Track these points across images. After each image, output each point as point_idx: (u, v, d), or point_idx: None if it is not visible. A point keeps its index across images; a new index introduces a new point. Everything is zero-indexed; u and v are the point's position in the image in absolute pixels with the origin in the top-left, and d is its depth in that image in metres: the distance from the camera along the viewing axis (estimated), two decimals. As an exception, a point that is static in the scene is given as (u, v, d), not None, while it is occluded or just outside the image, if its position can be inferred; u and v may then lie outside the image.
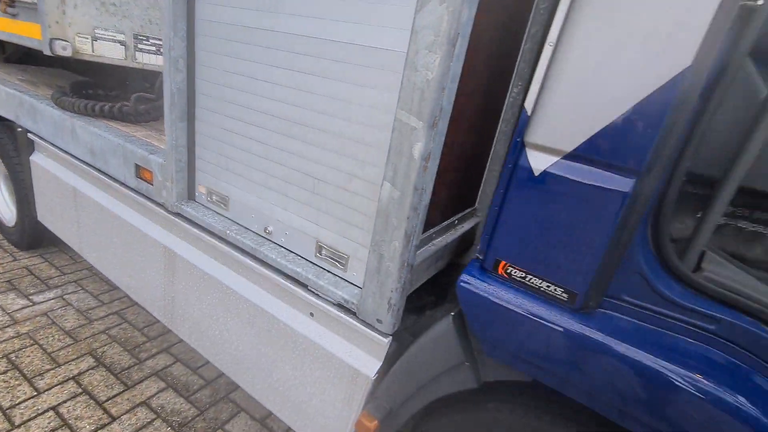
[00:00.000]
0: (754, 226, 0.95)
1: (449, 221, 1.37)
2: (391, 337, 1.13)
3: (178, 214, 1.58)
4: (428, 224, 1.24)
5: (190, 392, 1.96)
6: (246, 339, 1.46)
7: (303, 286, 1.27)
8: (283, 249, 1.35)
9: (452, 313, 1.02)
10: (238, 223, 1.45)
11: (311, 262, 1.29)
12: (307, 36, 1.09)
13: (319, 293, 1.23)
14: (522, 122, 0.84)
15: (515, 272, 0.90)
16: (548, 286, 0.86)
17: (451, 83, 0.86)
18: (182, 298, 1.66)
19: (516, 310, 0.89)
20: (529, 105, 0.83)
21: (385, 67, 0.96)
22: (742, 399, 0.74)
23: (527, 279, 0.89)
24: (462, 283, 0.94)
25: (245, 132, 1.33)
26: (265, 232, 1.38)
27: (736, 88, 0.81)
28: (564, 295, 0.85)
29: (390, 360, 1.15)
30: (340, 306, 1.20)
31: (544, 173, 0.82)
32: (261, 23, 1.19)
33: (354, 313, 1.16)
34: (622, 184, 0.75)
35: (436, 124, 0.88)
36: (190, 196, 1.57)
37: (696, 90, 0.69)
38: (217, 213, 1.51)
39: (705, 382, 0.74)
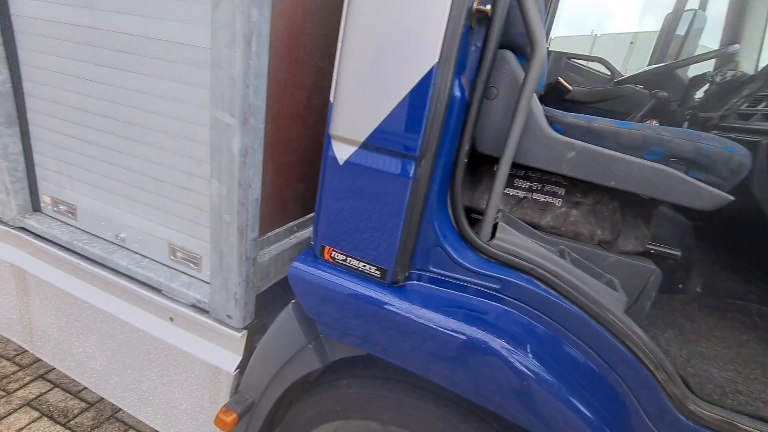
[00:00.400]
0: (545, 197, 1.11)
1: (313, 214, 1.41)
2: (245, 331, 1.15)
3: (21, 228, 1.44)
4: (288, 217, 1.27)
5: (69, 418, 1.82)
6: (109, 353, 1.39)
7: (159, 291, 1.24)
8: (137, 255, 1.30)
9: (293, 300, 1.07)
10: (88, 233, 1.37)
11: (166, 265, 1.26)
12: (127, 33, 1.06)
13: (173, 296, 1.21)
14: (329, 115, 0.90)
15: (338, 256, 0.97)
16: (364, 266, 0.94)
17: (255, 80, 0.90)
18: (39, 319, 1.52)
19: (340, 290, 0.95)
20: (332, 99, 0.89)
21: (200, 65, 0.97)
22: (516, 349, 0.86)
23: (348, 261, 0.96)
24: (293, 270, 0.99)
25: (84, 135, 1.25)
26: (117, 239, 1.32)
27: (502, 77, 0.94)
28: (377, 272, 0.93)
29: (251, 353, 1.18)
30: (194, 307, 1.19)
31: (347, 163, 0.89)
32: (80, 19, 1.12)
33: (208, 312, 1.16)
34: (405, 169, 0.84)
35: (247, 120, 0.91)
36: (35, 207, 1.45)
37: (447, 83, 0.79)
38: (66, 223, 1.40)
39: (489, 336, 0.87)
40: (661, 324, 1.20)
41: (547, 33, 2.66)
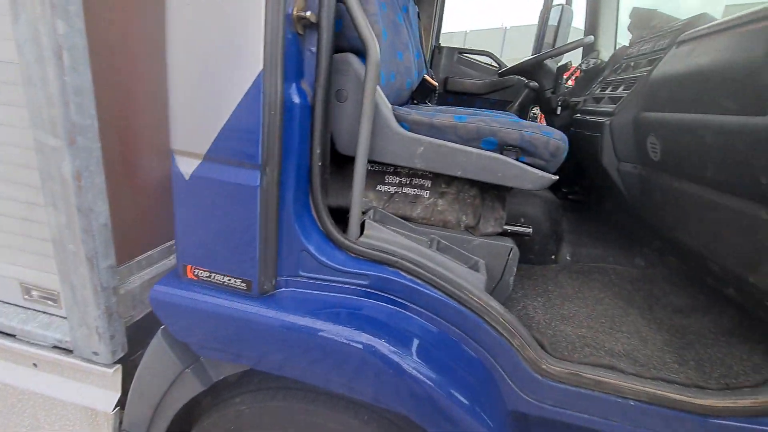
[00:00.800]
0: (414, 190, 1.16)
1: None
2: (119, 366, 1.07)
3: None
4: (162, 238, 1.20)
5: (-63, 497, 1.56)
6: (-34, 414, 1.21)
7: (14, 336, 1.10)
8: (-16, 300, 1.15)
9: (163, 326, 1.01)
10: None
11: (22, 306, 1.13)
12: (-76, 50, 0.92)
13: (31, 340, 1.09)
14: (169, 129, 0.86)
15: (201, 273, 0.93)
16: (229, 280, 0.92)
17: (76, 97, 0.83)
18: None
19: (206, 308, 0.92)
20: (169, 111, 0.85)
21: (16, 82, 0.87)
22: (383, 342, 0.89)
23: (212, 277, 0.93)
24: (153, 294, 0.93)
25: None
26: (-43, 284, 1.15)
27: (349, 80, 0.97)
28: (242, 284, 0.91)
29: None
30: (57, 348, 1.08)
31: (193, 177, 0.86)
32: None
33: (72, 352, 1.06)
34: (251, 178, 0.83)
35: (74, 141, 0.84)
36: None
37: (277, 89, 0.79)
38: None
39: (355, 332, 0.89)
40: (533, 293, 1.32)
41: (438, 30, 2.79)
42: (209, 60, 0.78)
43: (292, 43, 0.80)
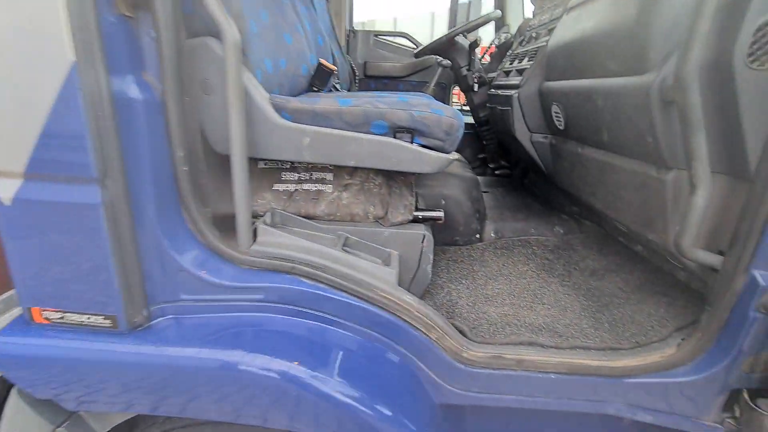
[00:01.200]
0: (316, 186, 1.06)
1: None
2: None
3: None
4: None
5: None
6: None
7: None
8: None
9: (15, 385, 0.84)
10: None
11: None
12: None
13: None
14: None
15: (52, 315, 0.77)
16: (88, 318, 0.77)
17: None
18: None
19: (66, 355, 0.77)
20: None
21: None
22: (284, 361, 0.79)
23: (66, 318, 0.77)
24: (-7, 348, 0.76)
25: None
26: None
27: (212, 68, 0.84)
28: (106, 321, 0.77)
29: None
30: None
31: (16, 201, 0.69)
32: None
33: None
34: (89, 195, 0.68)
35: None
36: None
37: (102, 84, 0.65)
38: None
39: (253, 356, 0.78)
40: (458, 276, 1.29)
41: (351, 13, 2.68)
42: (4, 57, 0.61)
43: (118, 27, 0.66)
